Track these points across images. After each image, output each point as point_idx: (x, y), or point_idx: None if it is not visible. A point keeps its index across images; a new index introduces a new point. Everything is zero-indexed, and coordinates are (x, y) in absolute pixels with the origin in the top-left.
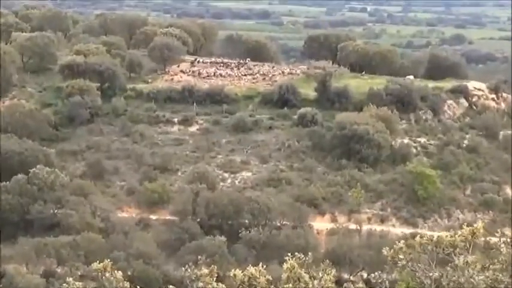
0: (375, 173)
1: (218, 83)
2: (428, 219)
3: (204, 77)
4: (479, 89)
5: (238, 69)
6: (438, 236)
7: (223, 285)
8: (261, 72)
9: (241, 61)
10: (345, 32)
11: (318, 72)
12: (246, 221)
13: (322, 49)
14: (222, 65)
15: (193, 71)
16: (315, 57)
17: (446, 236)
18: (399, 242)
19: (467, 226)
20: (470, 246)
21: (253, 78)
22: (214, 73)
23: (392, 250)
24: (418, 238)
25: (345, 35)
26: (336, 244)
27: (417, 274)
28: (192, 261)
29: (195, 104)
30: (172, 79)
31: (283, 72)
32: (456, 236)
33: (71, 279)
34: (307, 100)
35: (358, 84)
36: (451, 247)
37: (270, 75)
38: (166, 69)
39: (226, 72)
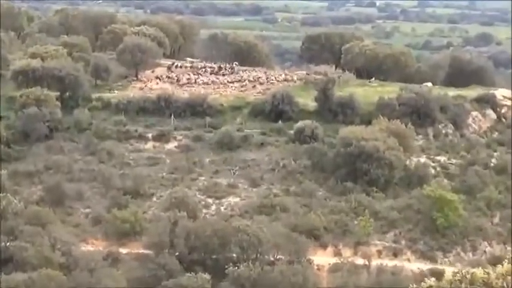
0: (386, 198)
1: (200, 92)
2: (449, 253)
3: (183, 85)
4: (509, 98)
5: (224, 75)
6: (472, 273)
7: None
8: (251, 79)
9: (228, 65)
10: (350, 31)
11: (318, 78)
12: (234, 255)
13: (323, 51)
14: (204, 70)
15: (170, 78)
16: (315, 61)
17: (480, 272)
18: (425, 280)
19: (496, 260)
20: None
21: (242, 86)
22: (196, 80)
23: None
24: (448, 274)
25: (350, 34)
26: (340, 282)
27: None
28: None
29: (172, 116)
30: (145, 87)
31: (277, 79)
32: (492, 272)
33: None
34: (305, 112)
35: (366, 92)
36: (485, 286)
37: (262, 82)
38: (139, 76)
39: (210, 79)
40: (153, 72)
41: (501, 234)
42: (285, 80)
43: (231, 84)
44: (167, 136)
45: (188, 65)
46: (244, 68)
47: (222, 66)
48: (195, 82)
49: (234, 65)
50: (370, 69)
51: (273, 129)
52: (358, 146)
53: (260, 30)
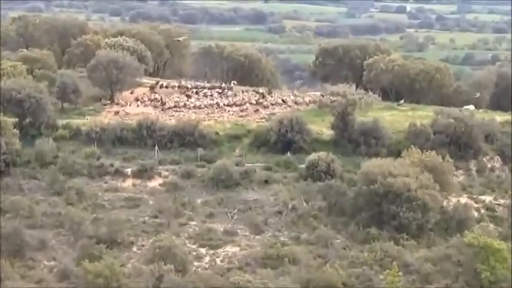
0: (418, 247)
1: (190, 117)
2: None
3: (169, 109)
4: None
5: (220, 96)
6: None
7: None
8: (253, 101)
9: (224, 85)
10: (375, 42)
11: (335, 100)
12: None
13: (341, 67)
14: (196, 90)
15: (154, 100)
16: (331, 79)
17: None
18: None
19: None
20: None
21: (242, 110)
22: (185, 103)
23: None
24: None
25: (374, 46)
26: None
27: None
28: None
29: (156, 147)
30: (123, 112)
31: (284, 101)
32: None
33: None
34: (319, 141)
35: (394, 117)
36: None
37: (266, 106)
38: (115, 98)
39: (202, 102)
40: (132, 93)
41: None
42: (295, 102)
43: (229, 108)
44: (150, 172)
45: (176, 84)
46: (245, 88)
47: (217, 86)
48: (185, 106)
49: (232, 85)
50: (399, 89)
51: (279, 163)
52: (384, 183)
53: (264, 42)
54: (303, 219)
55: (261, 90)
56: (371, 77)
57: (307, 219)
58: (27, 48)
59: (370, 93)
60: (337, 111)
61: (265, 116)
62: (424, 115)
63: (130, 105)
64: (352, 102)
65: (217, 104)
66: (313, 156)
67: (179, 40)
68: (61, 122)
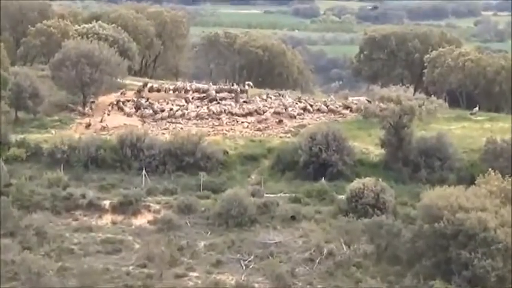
0: None
1: (190, 131)
2: None
3: (162, 120)
4: None
5: (231, 103)
6: None
7: None
8: (275, 110)
9: (236, 87)
10: (439, 30)
11: (386, 108)
12: None
13: (394, 63)
14: (197, 95)
15: (141, 108)
16: (381, 79)
17: None
18: None
19: None
20: None
21: (260, 122)
22: (183, 112)
23: None
24: None
25: (438, 34)
26: None
27: None
28: None
29: (144, 172)
30: (99, 124)
31: (318, 109)
32: None
33: None
34: (365, 164)
35: (466, 131)
36: None
37: (293, 115)
38: (89, 105)
39: (206, 110)
40: (112, 101)
41: None
42: (332, 111)
43: (242, 119)
44: (136, 205)
45: (170, 86)
46: (264, 91)
47: (226, 88)
48: (183, 115)
49: (246, 87)
50: (472, 92)
51: (311, 193)
52: (452, 220)
53: (290, 29)
54: (343, 269)
55: (285, 94)
56: (434, 76)
57: (348, 268)
58: None
59: (434, 98)
60: (388, 122)
61: (292, 129)
62: (506, 128)
63: (109, 114)
64: (409, 111)
65: (227, 112)
66: (356, 183)
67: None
68: (15, 137)
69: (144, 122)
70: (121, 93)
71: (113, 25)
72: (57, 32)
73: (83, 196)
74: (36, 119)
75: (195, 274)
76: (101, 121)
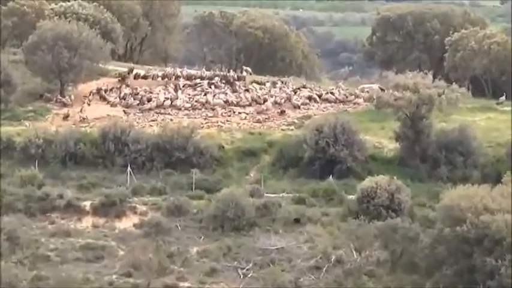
0: None
1: (181, 123)
2: None
3: (149, 110)
4: None
5: (227, 91)
6: None
7: None
8: (276, 99)
9: (233, 74)
10: (462, 8)
11: (401, 97)
12: None
13: (410, 46)
14: (189, 83)
15: (125, 97)
16: (396, 65)
17: None
18: None
19: None
20: None
21: (260, 112)
22: (173, 101)
23: None
24: None
25: (461, 14)
26: None
27: None
28: None
29: (129, 169)
30: (79, 115)
31: (326, 99)
32: None
33: None
34: (378, 160)
35: (492, 123)
36: None
37: (296, 105)
38: (67, 94)
39: (199, 99)
40: (92, 87)
41: None
42: (340, 100)
43: (240, 109)
44: (120, 206)
45: (159, 73)
46: (264, 78)
47: (221, 75)
48: (172, 105)
49: (244, 73)
50: (499, 79)
51: (317, 193)
52: (476, 223)
53: (293, 9)
54: (353, 278)
55: (288, 81)
56: (456, 61)
57: (359, 277)
58: None
59: (455, 85)
60: (404, 113)
61: (295, 120)
62: None
63: (89, 104)
64: (427, 100)
65: (222, 102)
66: (368, 182)
67: None
68: None
69: (129, 113)
70: (103, 82)
71: (94, 4)
72: (31, 11)
73: (60, 196)
74: (7, 109)
75: (187, 284)
76: (81, 112)
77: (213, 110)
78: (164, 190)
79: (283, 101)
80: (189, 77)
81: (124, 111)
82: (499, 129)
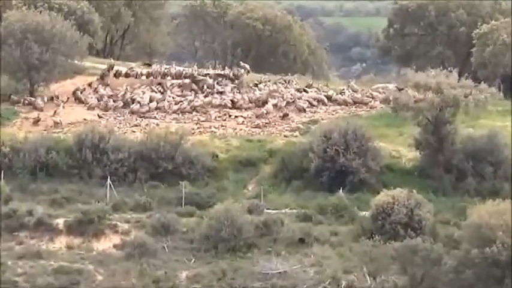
0: None
1: (169, 129)
2: None
3: (132, 114)
4: None
5: (221, 92)
6: None
7: None
8: (278, 101)
9: (228, 71)
10: None
11: (422, 99)
12: None
13: (432, 40)
14: (178, 82)
15: (105, 98)
16: (416, 61)
17: None
18: None
19: None
20: None
21: (259, 116)
22: (159, 103)
23: None
24: None
25: (490, 3)
26: None
27: None
28: None
29: (109, 181)
30: (51, 118)
31: (336, 101)
32: None
33: None
34: (395, 171)
35: None
36: None
37: (301, 108)
38: (37, 95)
39: (189, 101)
40: (67, 87)
41: None
42: (352, 102)
43: (236, 112)
44: (98, 224)
45: (143, 71)
46: (265, 76)
47: (214, 73)
48: (159, 108)
49: (241, 71)
50: None
51: (325, 209)
52: (508, 243)
53: None
54: None
55: (292, 80)
56: (485, 57)
57: None
58: None
59: (484, 85)
60: (426, 117)
61: (300, 125)
62: None
63: (63, 107)
64: (452, 102)
65: (215, 104)
66: (384, 196)
67: None
68: None
69: (109, 117)
70: (79, 81)
71: None
72: None
73: (30, 213)
74: None
75: None
76: (54, 115)
77: (206, 113)
78: (149, 206)
79: (285, 103)
80: (177, 76)
81: (103, 114)
82: None
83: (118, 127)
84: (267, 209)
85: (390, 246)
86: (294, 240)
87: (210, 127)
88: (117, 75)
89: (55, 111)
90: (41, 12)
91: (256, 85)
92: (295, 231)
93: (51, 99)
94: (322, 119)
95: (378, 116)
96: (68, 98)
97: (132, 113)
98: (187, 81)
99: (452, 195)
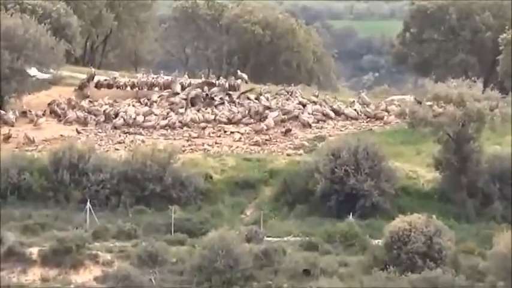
0: None
1: (156, 147)
2: None
3: (115, 129)
4: None
5: (216, 104)
6: None
7: None
8: (279, 116)
9: (224, 81)
10: None
11: (442, 113)
12: None
13: (454, 46)
14: (166, 93)
15: (84, 112)
16: (435, 70)
17: None
18: None
19: None
20: None
21: (258, 132)
22: (146, 117)
23: None
24: None
25: None
26: None
27: None
28: None
29: (89, 205)
30: (24, 136)
31: (345, 115)
32: None
33: None
34: (413, 193)
35: None
36: None
37: (306, 123)
38: (8, 108)
39: (179, 115)
40: (42, 100)
41: None
42: (364, 115)
43: (232, 128)
44: (77, 254)
45: (127, 80)
46: (265, 87)
47: (209, 82)
48: (144, 122)
49: (238, 81)
50: None
51: (333, 237)
52: None
53: None
54: None
55: (295, 91)
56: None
57: None
58: None
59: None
60: (446, 133)
61: (305, 142)
62: None
63: (38, 122)
64: (476, 116)
65: (210, 119)
66: (399, 222)
67: None
68: None
69: (89, 133)
70: (55, 92)
71: None
72: None
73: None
74: None
75: None
76: (27, 131)
77: (198, 128)
78: (134, 233)
79: (288, 117)
80: (166, 86)
81: (82, 130)
82: None
83: (99, 144)
84: (267, 236)
85: (406, 279)
86: (297, 271)
87: (203, 144)
88: (99, 85)
89: (29, 127)
90: (12, 14)
91: (256, 98)
92: (299, 261)
93: (24, 113)
94: (330, 136)
95: (393, 132)
96: (45, 112)
97: (115, 128)
98: (198, 90)
99: (476, 222)
